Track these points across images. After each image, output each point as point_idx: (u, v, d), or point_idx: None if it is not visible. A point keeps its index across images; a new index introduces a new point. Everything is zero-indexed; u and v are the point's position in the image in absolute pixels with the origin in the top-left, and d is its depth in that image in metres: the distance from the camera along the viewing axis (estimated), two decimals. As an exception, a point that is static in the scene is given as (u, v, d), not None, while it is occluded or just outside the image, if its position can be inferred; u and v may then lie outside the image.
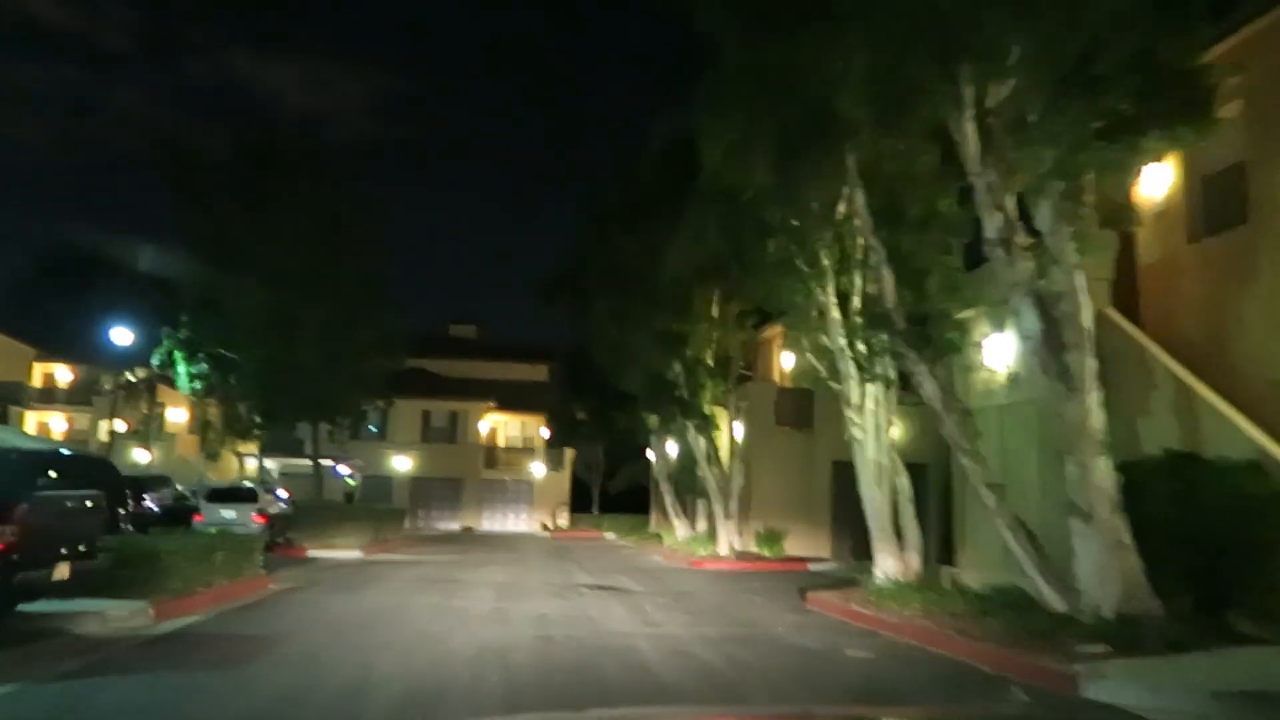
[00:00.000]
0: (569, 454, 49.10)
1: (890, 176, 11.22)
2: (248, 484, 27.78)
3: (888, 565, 13.19)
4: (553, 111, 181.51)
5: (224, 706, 6.73)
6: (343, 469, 41.33)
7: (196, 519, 23.78)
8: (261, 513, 24.65)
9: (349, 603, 13.03)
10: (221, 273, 27.66)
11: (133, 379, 42.15)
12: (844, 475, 25.94)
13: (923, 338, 10.48)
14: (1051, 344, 8.53)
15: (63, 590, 9.41)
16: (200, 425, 42.10)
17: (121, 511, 17.03)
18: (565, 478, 49.44)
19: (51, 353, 50.66)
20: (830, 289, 13.09)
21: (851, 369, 13.25)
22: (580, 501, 48.89)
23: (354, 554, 23.50)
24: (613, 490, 47.19)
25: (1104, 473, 8.55)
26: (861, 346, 12.97)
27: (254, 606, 12.49)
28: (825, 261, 12.77)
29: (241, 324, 26.72)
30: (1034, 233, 8.73)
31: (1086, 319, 8.43)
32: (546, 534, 43.73)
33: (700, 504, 29.97)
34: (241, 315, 26.62)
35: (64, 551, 9.00)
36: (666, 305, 23.24)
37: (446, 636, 9.79)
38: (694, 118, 12.72)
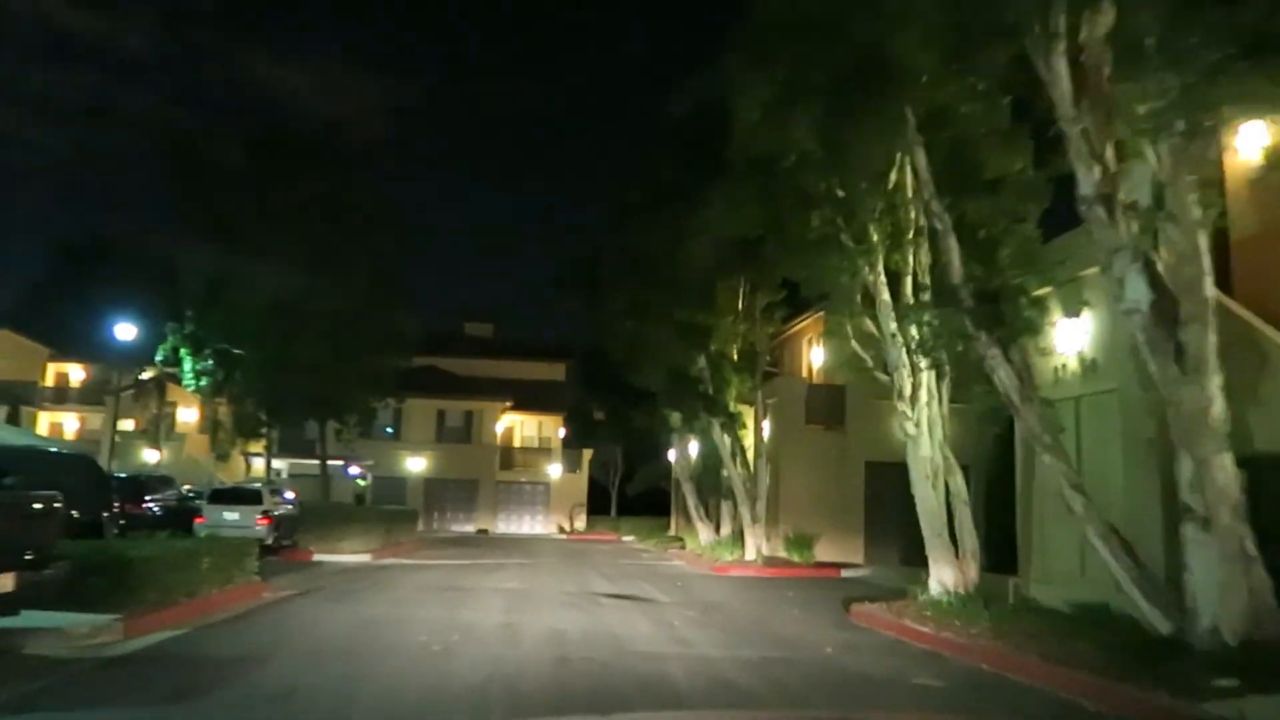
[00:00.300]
0: (586, 455, 47.92)
1: (954, 135, 9.86)
2: (252, 485, 26.60)
3: (944, 575, 11.79)
4: (571, 106, 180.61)
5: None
6: (353, 469, 40.21)
7: (198, 521, 22.80)
8: (266, 515, 23.57)
9: (345, 615, 11.77)
10: (226, 264, 26.74)
11: (144, 377, 41.26)
12: (878, 476, 24.67)
13: (994, 317, 9.11)
14: (1164, 318, 7.16)
15: (10, 603, 8.22)
16: (210, 425, 41.33)
17: (106, 515, 15.96)
18: (582, 479, 48.25)
19: (65, 352, 50.06)
20: (879, 267, 11.72)
21: (903, 357, 11.88)
22: (598, 503, 47.73)
23: (362, 558, 22.32)
24: (630, 492, 45.95)
25: (1227, 471, 7.16)
26: (914, 331, 11.60)
27: (241, 619, 11.26)
28: (874, 236, 11.39)
29: (246, 317, 25.66)
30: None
31: (1209, 287, 7.05)
32: (563, 536, 42.53)
33: (724, 506, 28.63)
34: (246, 308, 25.56)
35: (3, 560, 7.77)
36: (689, 296, 21.96)
37: (446, 661, 8.49)
38: (724, 79, 11.32)
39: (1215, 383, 7.11)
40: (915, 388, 11.91)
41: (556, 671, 8.08)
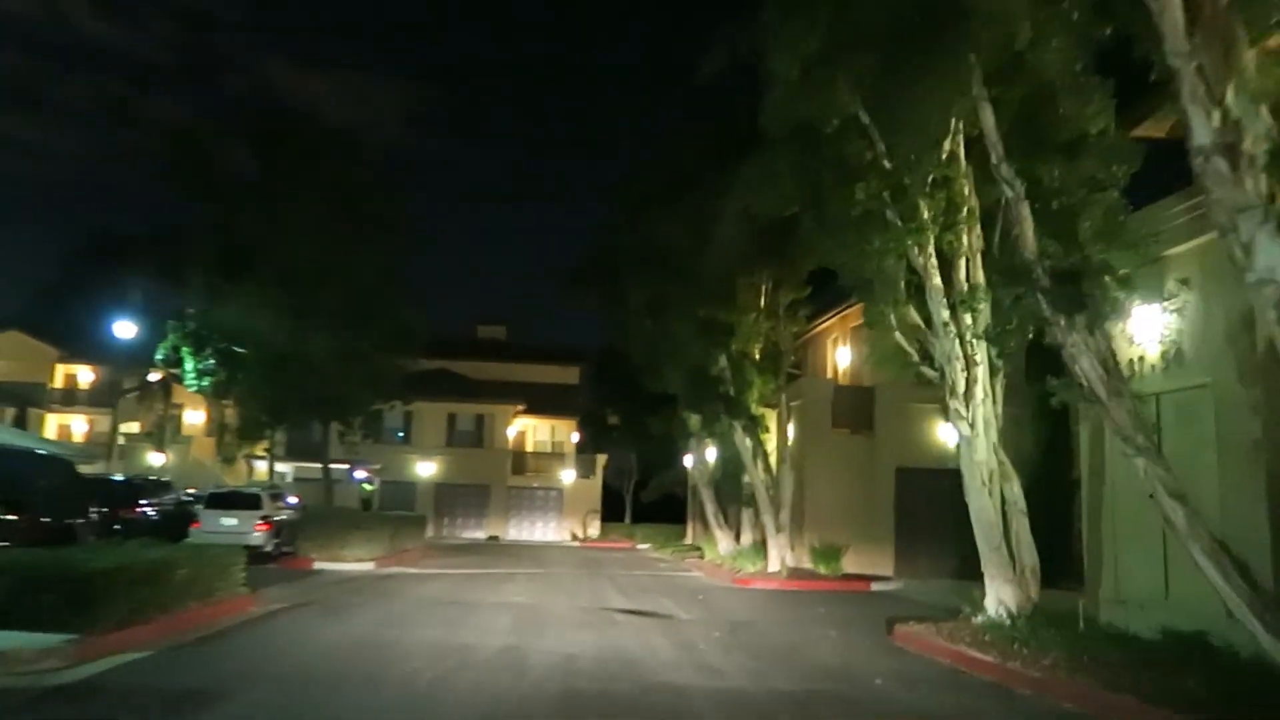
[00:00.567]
0: (600, 460, 46.70)
1: (1025, 93, 8.59)
2: (251, 489, 25.50)
3: (1004, 593, 10.46)
4: (587, 105, 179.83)
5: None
6: (359, 473, 39.10)
7: (194, 527, 21.77)
8: (265, 520, 22.50)
9: (332, 634, 10.57)
10: (229, 259, 25.77)
11: (152, 379, 40.40)
12: (909, 483, 23.35)
13: (1076, 298, 7.83)
14: (1304, 291, 5.89)
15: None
16: (217, 427, 40.37)
17: (81, 521, 14.87)
18: (596, 485, 47.02)
19: (74, 354, 49.30)
20: (930, 249, 10.44)
21: (956, 348, 10.58)
22: (611, 510, 46.51)
23: (365, 566, 21.18)
24: (645, 499, 44.62)
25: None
26: (969, 320, 10.33)
27: (217, 638, 10.09)
28: (925, 213, 10.11)
29: (249, 314, 24.60)
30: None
31: (1366, 251, 5.79)
32: (576, 544, 41.32)
33: (745, 514, 27.36)
34: (249, 304, 24.51)
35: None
36: (710, 292, 20.75)
37: (437, 697, 7.27)
38: (758, 34, 10.04)
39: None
40: (970, 383, 10.60)
41: (566, 709, 6.86)
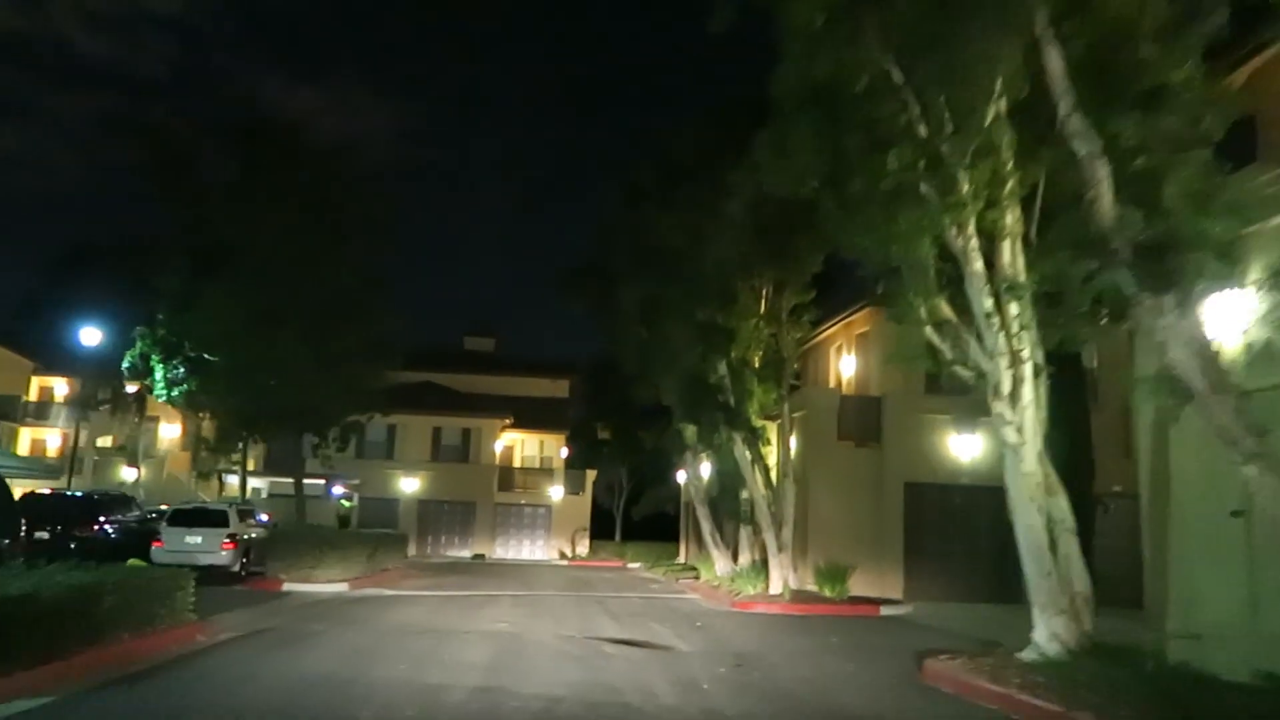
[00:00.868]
0: (590, 476, 45.19)
1: (1093, 39, 7.27)
2: (219, 505, 23.96)
3: (1056, 625, 9.05)
4: (580, 117, 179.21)
5: None
6: (337, 489, 37.50)
7: (156, 546, 20.29)
8: (232, 539, 21.02)
9: (280, 672, 9.09)
10: (201, 259, 24.39)
11: (129, 391, 38.80)
12: (919, 500, 22.00)
13: (1165, 274, 6.52)
14: None
15: None
16: (193, 441, 38.73)
17: (7, 541, 13.38)
18: (586, 502, 45.51)
19: (50, 366, 47.53)
20: (970, 229, 9.11)
21: (1001, 343, 9.24)
22: (601, 527, 44.99)
23: (338, 588, 19.64)
24: (636, 516, 43.09)
25: None
26: (1014, 309, 9.00)
27: (145, 676, 8.66)
28: (965, 187, 8.79)
29: (218, 316, 23.15)
30: None
31: None
32: (565, 563, 39.79)
33: (743, 532, 25.89)
34: (219, 305, 23.06)
35: None
36: (708, 294, 19.45)
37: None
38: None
39: None
40: (1017, 383, 9.24)
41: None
